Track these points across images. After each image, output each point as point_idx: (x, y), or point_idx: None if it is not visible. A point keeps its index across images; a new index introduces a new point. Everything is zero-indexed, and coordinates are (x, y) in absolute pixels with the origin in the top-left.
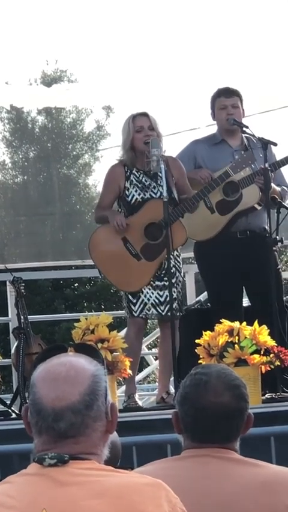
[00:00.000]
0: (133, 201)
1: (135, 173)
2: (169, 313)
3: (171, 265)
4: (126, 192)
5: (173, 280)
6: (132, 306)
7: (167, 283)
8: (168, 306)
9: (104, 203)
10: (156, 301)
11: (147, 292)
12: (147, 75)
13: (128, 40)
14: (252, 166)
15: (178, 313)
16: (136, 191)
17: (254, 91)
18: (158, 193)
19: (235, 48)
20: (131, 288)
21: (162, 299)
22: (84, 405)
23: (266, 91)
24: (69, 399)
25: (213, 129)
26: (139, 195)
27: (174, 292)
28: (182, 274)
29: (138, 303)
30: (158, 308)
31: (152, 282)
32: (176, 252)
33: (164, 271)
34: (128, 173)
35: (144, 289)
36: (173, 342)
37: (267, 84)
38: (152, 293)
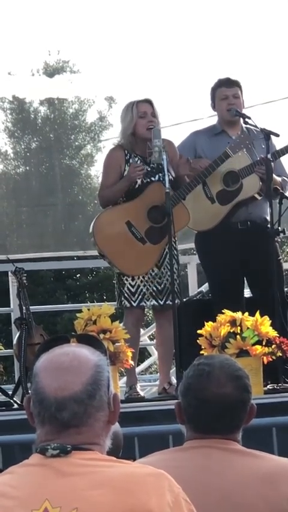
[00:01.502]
0: (133, 184)
1: (135, 158)
2: (167, 303)
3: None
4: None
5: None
6: (132, 296)
7: (164, 271)
8: (166, 296)
9: (108, 184)
10: (156, 290)
11: (146, 282)
12: (150, 66)
13: (131, 31)
14: (249, 145)
15: (177, 302)
16: None
17: (255, 82)
18: (157, 178)
19: (237, 39)
20: (137, 272)
21: (160, 288)
22: (87, 395)
23: (267, 81)
24: (72, 389)
25: (215, 120)
26: (139, 178)
27: (176, 279)
28: (178, 262)
29: (137, 293)
30: (157, 298)
31: (150, 271)
32: (172, 240)
33: (163, 259)
34: (128, 156)
35: (144, 277)
36: (174, 332)
37: (268, 75)
38: (151, 282)
